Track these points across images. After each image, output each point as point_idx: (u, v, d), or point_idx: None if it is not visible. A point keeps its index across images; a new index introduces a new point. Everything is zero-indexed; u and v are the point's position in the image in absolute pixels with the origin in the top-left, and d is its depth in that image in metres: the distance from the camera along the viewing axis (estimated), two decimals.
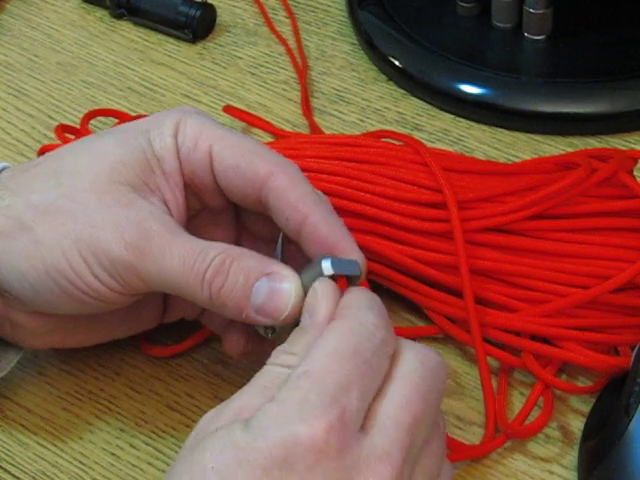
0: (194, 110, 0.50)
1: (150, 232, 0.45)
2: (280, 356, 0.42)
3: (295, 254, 0.47)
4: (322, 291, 0.43)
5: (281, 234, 0.47)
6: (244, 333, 0.49)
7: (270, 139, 0.65)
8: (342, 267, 0.44)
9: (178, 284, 0.45)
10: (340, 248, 0.45)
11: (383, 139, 0.58)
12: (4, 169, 0.49)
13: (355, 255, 0.46)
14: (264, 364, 0.42)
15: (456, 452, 0.49)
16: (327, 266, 0.44)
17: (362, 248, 0.53)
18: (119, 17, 0.75)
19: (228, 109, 0.66)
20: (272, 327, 0.46)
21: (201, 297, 0.45)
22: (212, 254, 0.45)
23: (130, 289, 0.46)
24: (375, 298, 0.43)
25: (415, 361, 0.41)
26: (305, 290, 0.44)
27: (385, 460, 0.39)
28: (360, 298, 0.43)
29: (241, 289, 0.44)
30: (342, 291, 0.44)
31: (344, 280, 0.44)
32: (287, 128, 0.66)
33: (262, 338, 0.47)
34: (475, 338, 0.51)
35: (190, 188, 0.48)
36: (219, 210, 0.50)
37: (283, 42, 0.72)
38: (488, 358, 0.52)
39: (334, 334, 0.41)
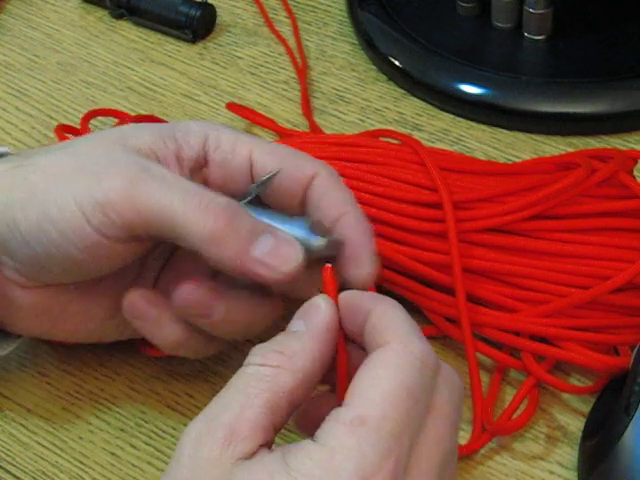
0: (222, 124, 0.50)
1: (150, 168, 0.45)
2: (267, 355, 0.40)
3: None
4: (323, 303, 0.41)
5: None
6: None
7: (272, 137, 0.65)
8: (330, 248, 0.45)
9: (173, 214, 0.44)
10: (360, 250, 0.46)
11: (382, 138, 0.58)
12: (5, 154, 0.51)
13: (367, 261, 0.46)
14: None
15: None
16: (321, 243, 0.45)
17: None
18: (119, 17, 0.75)
19: (231, 106, 0.66)
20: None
21: (198, 231, 0.44)
22: (217, 195, 0.45)
23: (120, 229, 0.45)
24: (403, 309, 0.41)
25: (449, 391, 0.40)
26: None
27: None
28: (399, 315, 0.41)
29: (247, 233, 0.44)
30: (327, 278, 0.42)
31: (330, 268, 0.43)
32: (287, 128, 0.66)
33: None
34: (465, 334, 0.51)
35: (217, 187, 0.48)
36: None
37: (283, 42, 0.72)
38: (487, 358, 0.52)
39: (387, 370, 0.38)
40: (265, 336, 0.42)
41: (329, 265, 0.42)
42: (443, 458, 0.39)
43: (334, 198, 0.47)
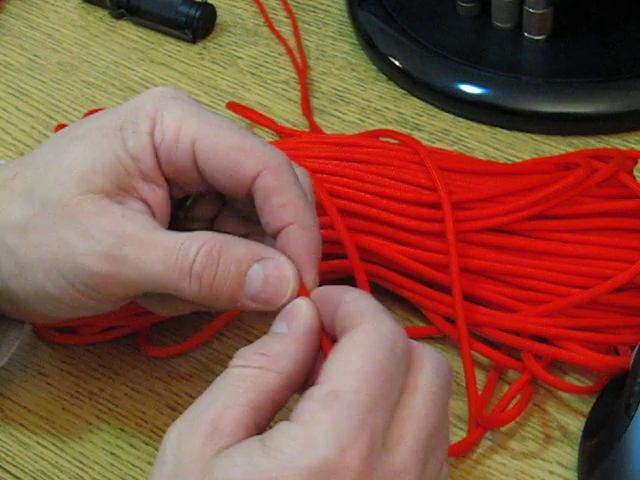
0: (171, 94, 0.47)
1: (123, 237, 0.44)
2: (251, 357, 0.40)
3: None
4: (304, 305, 0.42)
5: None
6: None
7: (272, 137, 0.65)
8: None
9: (162, 283, 0.44)
10: (302, 269, 0.44)
11: (382, 138, 0.58)
12: None
13: (308, 278, 0.44)
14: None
15: None
16: None
17: (362, 248, 0.53)
18: (119, 17, 0.75)
19: (231, 106, 0.66)
20: None
21: (190, 292, 0.44)
22: (195, 247, 0.43)
23: (117, 297, 0.45)
24: (372, 296, 0.42)
25: (431, 370, 0.40)
26: None
27: (402, 474, 0.38)
28: (368, 300, 0.41)
29: (234, 279, 0.43)
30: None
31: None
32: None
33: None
34: (460, 332, 0.51)
35: (174, 181, 0.47)
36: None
37: (283, 42, 0.72)
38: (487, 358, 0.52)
39: (358, 348, 0.39)
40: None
41: None
42: (429, 437, 0.39)
43: (277, 204, 0.44)
